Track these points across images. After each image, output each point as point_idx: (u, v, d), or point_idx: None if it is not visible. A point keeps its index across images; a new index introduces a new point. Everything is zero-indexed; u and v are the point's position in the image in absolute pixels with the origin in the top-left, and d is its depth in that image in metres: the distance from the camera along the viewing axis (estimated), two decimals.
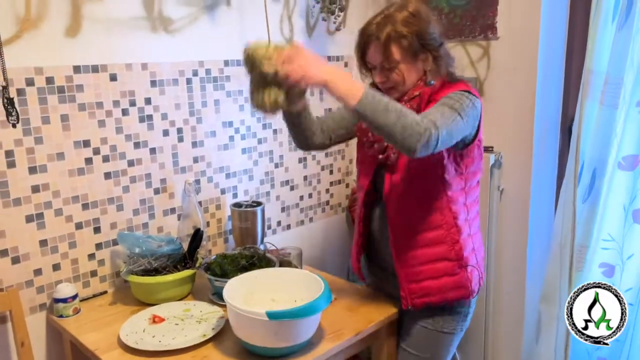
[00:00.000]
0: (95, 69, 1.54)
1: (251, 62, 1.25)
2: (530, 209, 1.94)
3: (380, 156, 1.40)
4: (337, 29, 2.11)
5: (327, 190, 2.25)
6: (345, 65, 2.20)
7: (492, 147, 1.98)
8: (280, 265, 1.63)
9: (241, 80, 1.89)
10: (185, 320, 1.45)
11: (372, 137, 1.41)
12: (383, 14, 1.34)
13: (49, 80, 1.47)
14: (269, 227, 2.05)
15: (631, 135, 1.69)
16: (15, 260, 1.47)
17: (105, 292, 1.66)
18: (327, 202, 2.27)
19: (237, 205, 1.87)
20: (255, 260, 1.63)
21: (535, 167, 1.92)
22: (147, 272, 1.55)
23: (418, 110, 1.32)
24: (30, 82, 1.43)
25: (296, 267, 1.70)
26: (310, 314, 1.25)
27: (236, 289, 1.37)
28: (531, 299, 2.02)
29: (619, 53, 1.62)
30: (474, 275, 1.42)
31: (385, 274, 1.51)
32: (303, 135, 1.49)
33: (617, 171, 1.73)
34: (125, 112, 1.62)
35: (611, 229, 1.78)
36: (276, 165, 2.06)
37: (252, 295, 1.42)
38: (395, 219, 1.40)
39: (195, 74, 1.77)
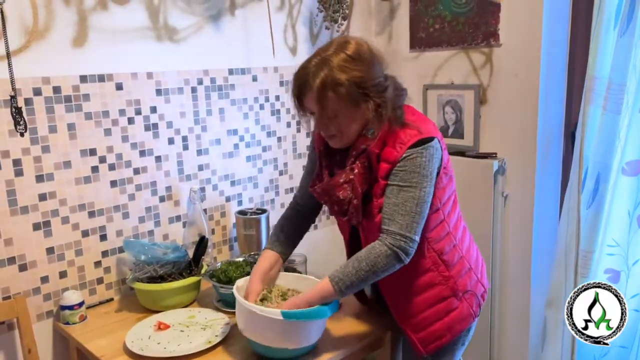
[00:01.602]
0: (101, 78, 1.56)
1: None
2: (534, 214, 1.94)
3: (344, 218, 1.32)
4: (345, 34, 2.12)
5: None
6: None
7: (495, 154, 1.99)
8: (286, 271, 1.63)
9: (246, 88, 1.91)
10: (191, 327, 1.46)
11: (328, 201, 1.32)
12: (319, 56, 1.22)
13: (56, 90, 1.49)
14: None
15: (634, 140, 1.69)
16: (23, 268, 1.49)
17: (111, 299, 1.67)
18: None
19: (242, 212, 1.88)
20: None
21: (539, 173, 1.92)
22: (152, 279, 1.56)
23: (370, 169, 1.25)
24: (37, 92, 1.46)
25: (300, 273, 1.70)
26: (323, 316, 1.26)
27: (244, 288, 1.37)
28: (536, 304, 2.01)
29: (621, 59, 1.62)
30: (474, 299, 1.38)
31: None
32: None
33: (621, 177, 1.72)
34: (130, 121, 1.64)
35: (616, 234, 1.78)
36: (280, 173, 2.07)
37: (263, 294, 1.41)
38: (382, 279, 1.33)
39: (200, 82, 1.78)
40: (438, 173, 1.27)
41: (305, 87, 1.22)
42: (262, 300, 1.34)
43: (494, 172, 1.94)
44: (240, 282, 1.39)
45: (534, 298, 2.01)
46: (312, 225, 2.17)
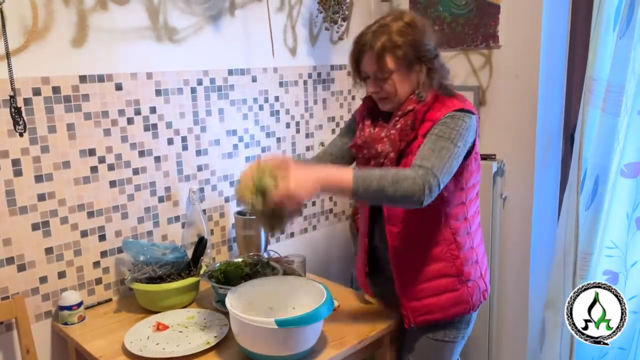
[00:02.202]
0: (100, 78, 1.56)
1: (245, 201, 1.22)
2: (533, 216, 1.94)
3: None
4: (340, 38, 2.12)
5: (331, 199, 2.26)
6: (348, 74, 2.21)
7: (494, 155, 1.99)
8: (284, 274, 1.63)
9: (245, 89, 1.91)
10: (189, 328, 1.46)
11: (367, 154, 1.39)
12: (378, 23, 1.33)
13: (56, 90, 1.48)
14: (272, 235, 2.06)
15: (633, 142, 1.70)
16: (21, 268, 1.49)
17: (110, 299, 1.67)
18: (331, 210, 2.27)
19: (241, 213, 1.88)
20: (259, 268, 1.64)
21: (538, 175, 1.92)
22: (151, 280, 1.56)
23: (413, 127, 1.32)
24: (37, 92, 1.45)
25: (300, 275, 1.70)
26: (316, 320, 1.26)
27: (238, 297, 1.37)
28: (535, 306, 2.01)
29: (620, 61, 1.62)
30: (475, 290, 1.41)
31: (390, 286, 1.50)
32: None
33: (620, 178, 1.73)
34: (130, 121, 1.64)
35: (614, 236, 1.78)
36: None
37: (251, 304, 1.41)
38: (395, 237, 1.39)
39: (199, 83, 1.78)
40: (470, 152, 1.32)
41: (365, 48, 1.31)
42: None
43: (493, 174, 1.94)
44: (234, 292, 1.38)
45: (532, 299, 2.01)
46: (311, 226, 2.20)
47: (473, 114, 1.31)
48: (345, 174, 1.19)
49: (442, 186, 1.22)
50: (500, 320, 2.08)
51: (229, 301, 1.31)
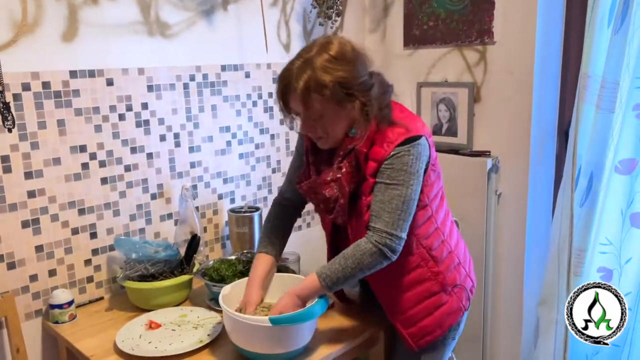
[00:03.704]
0: (91, 73, 1.54)
1: None
2: (527, 213, 1.94)
3: (330, 217, 1.32)
4: (335, 34, 2.11)
5: None
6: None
7: (489, 152, 1.99)
8: (278, 271, 1.62)
9: (238, 85, 1.89)
10: (182, 326, 1.44)
11: (314, 199, 1.33)
12: (302, 58, 1.20)
13: (45, 85, 1.46)
14: None
15: (627, 139, 1.69)
16: (11, 266, 1.46)
17: (102, 298, 1.65)
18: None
19: (235, 210, 1.86)
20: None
21: (532, 171, 1.92)
22: (143, 278, 1.54)
23: (358, 168, 1.25)
24: (26, 87, 1.43)
25: (294, 272, 1.69)
26: (311, 318, 1.25)
27: (231, 295, 1.36)
28: (529, 303, 2.01)
29: (615, 57, 1.62)
30: (463, 293, 1.39)
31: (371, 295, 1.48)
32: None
33: (614, 175, 1.73)
34: (121, 117, 1.62)
35: (609, 232, 1.78)
36: (273, 171, 2.06)
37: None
38: (371, 276, 1.32)
39: (192, 78, 1.76)
40: (426, 170, 1.27)
41: (289, 89, 1.21)
42: (263, 309, 1.35)
43: (487, 170, 1.94)
44: (227, 290, 1.36)
45: (526, 296, 2.01)
46: (305, 223, 2.19)
47: (417, 138, 1.22)
48: (312, 282, 1.24)
49: (404, 235, 1.22)
50: (494, 317, 2.08)
51: (222, 299, 1.30)
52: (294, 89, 1.19)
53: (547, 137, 1.95)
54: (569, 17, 1.87)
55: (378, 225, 1.21)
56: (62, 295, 1.49)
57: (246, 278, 1.44)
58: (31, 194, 1.47)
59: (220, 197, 1.91)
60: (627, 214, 1.74)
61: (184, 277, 1.57)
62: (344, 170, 1.25)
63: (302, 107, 1.21)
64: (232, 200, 1.95)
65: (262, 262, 1.41)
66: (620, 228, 1.76)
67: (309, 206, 2.17)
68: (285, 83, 1.21)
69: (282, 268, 1.67)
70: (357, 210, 1.28)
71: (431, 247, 1.33)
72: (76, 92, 1.52)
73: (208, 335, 1.37)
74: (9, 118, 1.40)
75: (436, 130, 2.12)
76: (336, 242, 1.41)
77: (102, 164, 1.60)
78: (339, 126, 1.24)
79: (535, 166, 1.92)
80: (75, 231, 1.57)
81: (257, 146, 1.99)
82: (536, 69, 1.83)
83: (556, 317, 1.86)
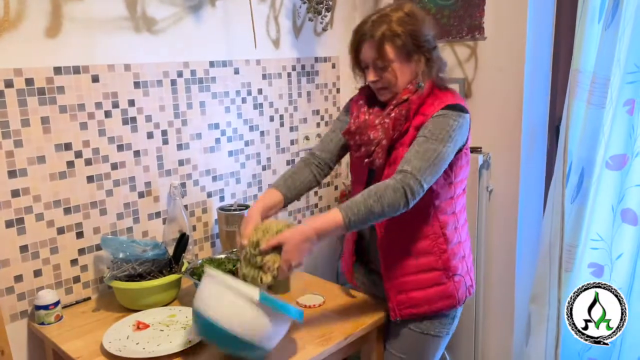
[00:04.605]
0: (76, 70, 1.51)
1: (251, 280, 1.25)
2: (519, 209, 1.94)
3: (366, 160, 1.38)
4: (324, 30, 2.09)
5: (316, 193, 2.23)
6: (333, 66, 2.18)
7: (480, 148, 1.98)
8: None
9: (227, 81, 1.87)
10: (171, 327, 1.42)
11: (359, 140, 1.40)
12: (378, 13, 1.34)
13: (29, 82, 1.43)
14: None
15: (618, 134, 1.69)
16: None
17: (89, 298, 1.62)
18: (316, 205, 2.25)
19: (224, 208, 1.84)
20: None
21: (523, 167, 1.91)
22: (131, 278, 1.52)
23: (407, 118, 1.34)
24: (9, 84, 1.40)
25: None
26: (294, 315, 1.20)
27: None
28: (521, 299, 2.01)
29: (605, 53, 1.62)
30: (462, 285, 1.42)
31: (375, 278, 1.50)
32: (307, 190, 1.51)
33: (605, 171, 1.73)
34: (108, 114, 1.59)
35: (600, 228, 1.78)
36: (264, 168, 2.04)
37: None
38: (383, 229, 1.40)
39: (179, 75, 1.74)
40: (461, 149, 1.33)
41: (365, 37, 1.33)
42: (257, 230, 1.26)
43: (478, 167, 1.93)
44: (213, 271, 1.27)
45: (518, 292, 2.01)
46: (297, 221, 2.17)
47: (466, 112, 1.32)
48: (333, 215, 1.22)
49: (425, 186, 1.25)
50: (486, 314, 2.08)
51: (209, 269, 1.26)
52: (370, 36, 1.31)
53: (538, 133, 1.95)
54: (560, 12, 1.86)
55: (406, 167, 1.24)
56: (47, 296, 1.46)
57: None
58: (15, 193, 1.44)
59: (209, 195, 1.89)
60: (618, 209, 1.74)
61: (173, 277, 1.55)
62: (392, 115, 1.34)
63: (375, 54, 1.31)
64: (222, 199, 1.93)
65: (270, 194, 1.42)
66: (611, 224, 1.76)
67: (299, 204, 2.16)
68: (362, 33, 1.34)
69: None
70: (394, 160, 1.34)
71: (445, 225, 1.38)
72: (61, 89, 1.49)
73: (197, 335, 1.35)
74: None
75: None
76: None
77: (88, 162, 1.57)
78: (403, 77, 1.34)
79: (526, 162, 1.92)
80: (60, 230, 1.54)
81: (246, 143, 1.97)
82: (527, 64, 1.83)
83: (548, 313, 1.86)
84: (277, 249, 1.22)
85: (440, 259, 1.38)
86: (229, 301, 1.17)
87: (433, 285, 1.39)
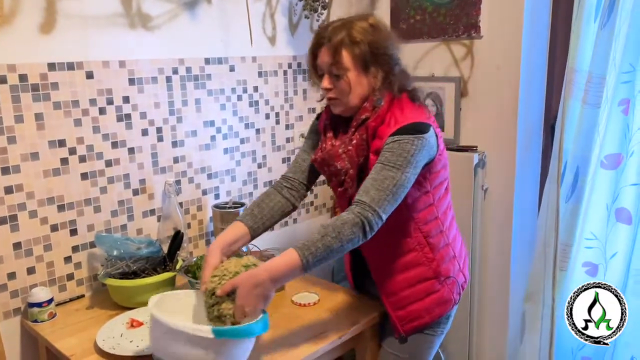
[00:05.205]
0: (70, 66, 1.50)
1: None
2: (514, 207, 1.94)
3: (339, 189, 1.35)
4: None
5: (312, 191, 2.23)
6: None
7: (475, 147, 1.98)
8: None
9: (223, 79, 1.86)
10: None
11: (327, 170, 1.36)
12: (342, 20, 1.31)
13: (23, 78, 1.42)
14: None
15: (613, 134, 1.70)
16: None
17: (82, 295, 1.61)
18: (312, 203, 2.24)
19: (219, 206, 1.84)
20: None
21: (518, 166, 1.91)
22: (125, 275, 1.51)
23: (367, 144, 1.29)
24: (2, 80, 1.39)
25: None
26: (258, 332, 1.12)
27: (160, 308, 1.18)
28: (515, 298, 2.02)
29: (601, 52, 1.62)
30: (455, 285, 1.41)
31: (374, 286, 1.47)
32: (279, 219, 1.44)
33: (600, 170, 1.73)
34: (102, 111, 1.58)
35: (594, 227, 1.79)
36: (259, 166, 2.03)
37: (181, 315, 1.25)
38: (368, 250, 1.38)
39: (175, 72, 1.73)
40: (430, 162, 1.29)
41: (323, 41, 1.28)
42: (214, 276, 1.18)
43: (474, 165, 1.93)
44: (156, 298, 1.20)
45: (513, 291, 2.01)
46: (292, 219, 2.17)
47: (426, 130, 1.24)
48: (289, 256, 1.14)
49: (384, 217, 1.19)
50: (480, 312, 2.08)
51: (153, 307, 1.14)
52: (328, 40, 1.27)
53: (533, 131, 1.95)
54: (556, 11, 1.86)
55: (363, 198, 1.19)
56: (41, 294, 1.46)
57: (177, 292, 1.32)
58: (8, 190, 1.43)
59: (204, 192, 1.88)
60: (612, 209, 1.75)
61: (167, 275, 1.54)
62: (354, 142, 1.30)
63: (330, 59, 1.27)
64: (217, 196, 1.92)
65: (233, 228, 1.34)
66: (606, 223, 1.76)
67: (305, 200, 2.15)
68: (320, 37, 1.29)
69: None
70: None
71: (429, 234, 1.35)
72: (55, 85, 1.48)
73: None
74: None
75: None
76: None
77: (82, 159, 1.56)
78: (358, 89, 1.28)
79: (521, 161, 1.92)
80: (54, 228, 1.53)
81: (242, 141, 1.96)
82: (523, 63, 1.83)
83: (542, 312, 1.87)
84: (234, 293, 1.13)
85: (430, 267, 1.36)
86: (184, 352, 1.08)
87: (429, 294, 1.38)
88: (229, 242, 1.30)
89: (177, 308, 1.25)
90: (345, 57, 1.26)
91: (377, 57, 1.27)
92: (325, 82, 1.30)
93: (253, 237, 1.37)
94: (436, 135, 1.29)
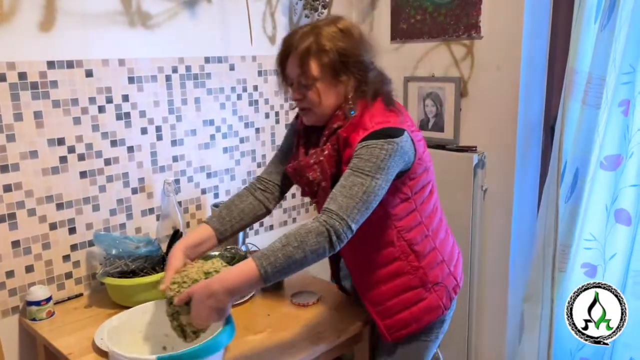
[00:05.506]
0: (70, 64, 1.50)
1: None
2: (513, 208, 1.94)
3: (314, 200, 1.31)
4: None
5: None
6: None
7: (475, 147, 1.98)
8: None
9: (223, 77, 1.86)
10: None
11: (300, 181, 1.31)
12: (310, 25, 1.23)
13: (22, 76, 1.42)
14: (251, 228, 2.02)
15: (613, 135, 1.69)
16: None
17: (81, 294, 1.61)
18: (311, 202, 2.24)
19: (218, 205, 1.83)
20: (236, 261, 1.60)
21: (518, 167, 1.91)
22: (123, 274, 1.51)
23: (339, 154, 1.23)
24: (1, 78, 1.39)
25: None
26: (219, 349, 1.07)
27: (120, 329, 1.18)
28: (514, 298, 2.02)
29: (601, 53, 1.62)
30: (444, 292, 1.35)
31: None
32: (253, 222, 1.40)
33: (599, 171, 1.73)
34: (101, 109, 1.58)
35: (593, 228, 1.78)
36: (259, 165, 2.03)
37: (140, 333, 1.25)
38: (351, 261, 1.35)
39: (174, 70, 1.73)
40: (409, 168, 1.23)
41: (290, 49, 1.22)
42: (174, 283, 1.14)
43: (473, 166, 1.93)
44: (115, 321, 1.20)
45: (511, 292, 2.01)
46: (291, 218, 2.17)
47: (398, 135, 1.16)
48: (247, 265, 1.06)
49: (354, 227, 1.11)
50: (479, 313, 2.08)
51: (106, 333, 1.11)
52: (295, 49, 1.20)
53: (533, 132, 1.95)
54: (556, 12, 1.86)
55: (331, 206, 1.11)
56: (39, 292, 1.45)
57: (144, 305, 1.29)
58: (7, 188, 1.43)
59: (203, 191, 1.88)
60: (611, 210, 1.75)
61: None
62: (326, 152, 1.23)
63: (298, 69, 1.21)
64: (216, 195, 1.92)
65: (198, 230, 1.30)
66: (605, 224, 1.76)
67: (294, 202, 2.16)
68: (288, 44, 1.23)
69: None
70: None
71: (413, 241, 1.29)
72: (54, 83, 1.47)
73: None
74: None
75: (423, 125, 2.11)
76: None
77: (81, 157, 1.56)
78: (328, 99, 1.23)
79: (521, 161, 1.92)
80: (53, 226, 1.53)
81: (241, 140, 1.96)
82: (523, 64, 1.83)
83: (541, 313, 1.87)
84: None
85: (416, 276, 1.31)
86: None
87: (415, 302, 1.32)
88: (191, 245, 1.26)
89: (149, 319, 1.25)
90: (313, 66, 1.19)
91: (348, 64, 1.20)
92: (295, 93, 1.25)
93: (221, 240, 1.32)
94: (412, 140, 1.22)
